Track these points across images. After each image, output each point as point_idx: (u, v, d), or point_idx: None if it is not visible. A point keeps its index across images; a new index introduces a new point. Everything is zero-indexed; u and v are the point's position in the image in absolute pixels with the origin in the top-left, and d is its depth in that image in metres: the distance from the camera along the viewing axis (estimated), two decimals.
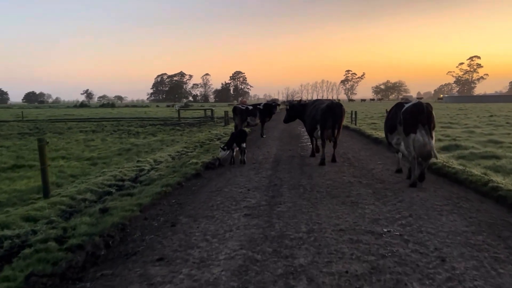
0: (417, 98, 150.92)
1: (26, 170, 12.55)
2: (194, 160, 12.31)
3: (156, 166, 12.17)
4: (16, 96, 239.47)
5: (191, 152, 15.37)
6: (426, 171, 8.65)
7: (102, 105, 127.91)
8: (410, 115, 8.28)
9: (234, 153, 11.92)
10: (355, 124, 26.15)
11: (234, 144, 11.88)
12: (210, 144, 17.53)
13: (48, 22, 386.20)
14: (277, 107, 20.84)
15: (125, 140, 21.01)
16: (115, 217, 6.52)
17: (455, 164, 10.31)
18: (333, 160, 11.68)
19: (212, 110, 39.19)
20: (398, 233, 5.42)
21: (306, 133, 18.97)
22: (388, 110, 10.15)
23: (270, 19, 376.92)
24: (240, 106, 20.38)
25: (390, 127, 9.50)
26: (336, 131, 11.50)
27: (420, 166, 8.32)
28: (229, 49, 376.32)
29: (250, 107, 20.01)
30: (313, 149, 13.09)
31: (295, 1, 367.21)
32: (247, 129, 21.98)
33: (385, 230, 5.56)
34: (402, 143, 8.84)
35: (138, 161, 13.21)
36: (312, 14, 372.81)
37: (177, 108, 45.76)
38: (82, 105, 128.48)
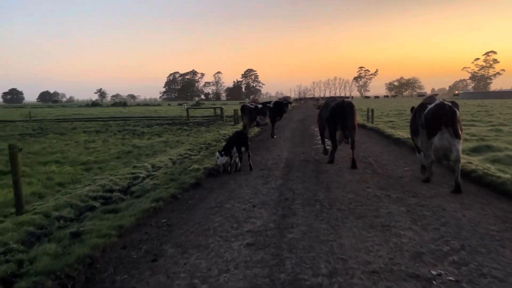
0: (433, 94, 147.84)
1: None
2: (196, 166, 10.99)
3: (153, 173, 10.87)
4: (31, 96, 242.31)
5: (195, 155, 14.06)
6: (461, 181, 7.52)
7: (114, 104, 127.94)
8: (432, 117, 7.77)
9: (233, 160, 10.53)
10: (372, 123, 24.58)
11: (234, 150, 10.43)
12: (216, 145, 16.18)
13: (62, 21, 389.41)
14: (289, 105, 19.35)
15: (127, 142, 19.84)
16: (85, 247, 5.19)
17: (494, 170, 8.82)
18: (353, 165, 10.29)
19: (222, 109, 37.85)
20: (453, 278, 3.98)
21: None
22: (413, 109, 9.13)
23: (282, 16, 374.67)
24: (248, 104, 18.94)
25: (415, 130, 8.75)
26: (347, 132, 10.52)
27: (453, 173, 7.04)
28: (241, 47, 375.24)
29: (260, 106, 18.58)
30: (332, 154, 11.78)
31: None
32: (254, 129, 20.69)
33: (434, 272, 4.12)
34: (424, 146, 8.32)
35: (134, 167, 11.93)
36: (325, 10, 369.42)
37: (185, 107, 44.49)
38: (94, 104, 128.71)
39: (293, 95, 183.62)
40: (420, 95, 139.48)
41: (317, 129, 14.62)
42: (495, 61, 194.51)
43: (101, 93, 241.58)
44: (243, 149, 10.40)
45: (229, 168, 10.51)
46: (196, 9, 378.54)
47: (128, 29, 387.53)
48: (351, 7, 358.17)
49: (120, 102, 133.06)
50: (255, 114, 18.16)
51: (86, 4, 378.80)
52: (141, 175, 10.69)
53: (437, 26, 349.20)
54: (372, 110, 26.95)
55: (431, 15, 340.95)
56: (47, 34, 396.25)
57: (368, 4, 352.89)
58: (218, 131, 23.66)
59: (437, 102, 7.98)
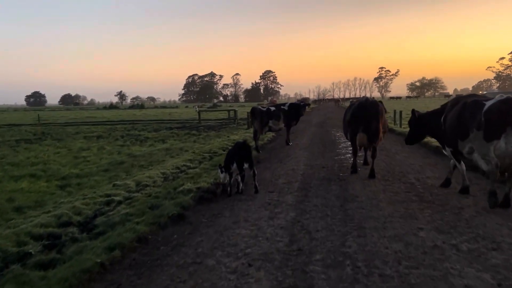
0: (456, 95, 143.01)
1: None
2: (189, 185, 8.72)
3: (134, 195, 8.63)
4: (53, 99, 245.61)
5: (194, 168, 11.81)
6: None
7: (132, 107, 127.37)
8: (496, 116, 6.15)
9: (233, 178, 8.31)
10: (400, 127, 21.91)
11: (234, 166, 8.10)
12: (222, 155, 13.88)
13: (82, 24, 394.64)
14: (306, 107, 16.88)
15: (125, 149, 17.74)
16: None
17: None
18: (371, 175, 8.93)
19: (235, 111, 35.58)
20: None
21: (343, 140, 15.08)
22: (450, 108, 7.44)
23: (300, 16, 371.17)
24: (259, 107, 16.46)
25: (462, 133, 6.80)
26: (371, 136, 9.04)
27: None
28: (259, 48, 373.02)
29: (273, 108, 16.10)
30: (354, 161, 9.55)
31: None
32: (268, 134, 18.25)
33: None
34: (476, 152, 6.59)
35: (114, 185, 9.73)
36: (344, 9, 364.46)
37: (196, 109, 42.34)
38: (111, 106, 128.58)
39: (312, 96, 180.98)
40: (446, 95, 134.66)
41: (339, 134, 12.01)
42: None
43: (121, 96, 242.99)
44: (245, 165, 8.04)
45: (229, 189, 8.22)
46: (215, 11, 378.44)
47: (149, 31, 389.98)
48: (371, 5, 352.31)
49: (137, 105, 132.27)
50: (267, 118, 15.70)
51: (105, 6, 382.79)
52: (118, 198, 8.47)
53: (459, 24, 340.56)
54: (400, 112, 24.28)
55: (453, 13, 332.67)
56: (71, 38, 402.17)
57: (389, 3, 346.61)
58: (228, 137, 21.41)
59: (500, 97, 6.35)
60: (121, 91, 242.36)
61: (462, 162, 7.49)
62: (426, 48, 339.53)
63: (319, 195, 7.43)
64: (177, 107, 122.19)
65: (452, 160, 7.66)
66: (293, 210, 6.52)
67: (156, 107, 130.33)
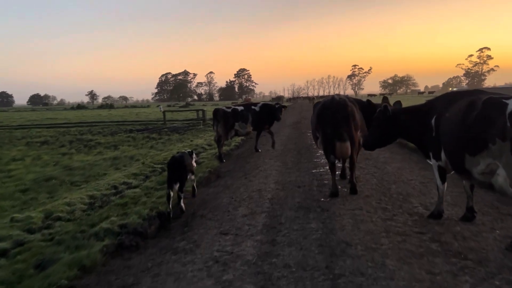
0: (428, 92, 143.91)
1: None
2: (114, 219, 6.29)
3: (29, 239, 6.04)
4: (21, 99, 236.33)
5: (135, 187, 9.30)
6: None
7: (100, 107, 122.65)
8: None
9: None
10: None
11: (176, 184, 6.69)
12: None
13: (52, 23, 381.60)
14: (283, 110, 14.32)
15: (66, 159, 15.00)
16: None
17: None
18: (352, 190, 7.28)
19: (204, 111, 32.96)
20: None
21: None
22: (445, 107, 5.31)
23: (273, 14, 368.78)
24: (224, 108, 13.97)
25: (473, 144, 4.61)
26: (341, 144, 6.94)
27: None
28: (233, 47, 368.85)
29: (240, 108, 13.65)
30: (333, 180, 7.36)
31: None
32: (235, 138, 15.70)
33: None
34: (502, 172, 4.34)
35: (12, 219, 7.09)
36: (316, 7, 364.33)
37: (161, 109, 39.38)
38: (79, 107, 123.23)
39: (286, 94, 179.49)
40: (419, 92, 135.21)
41: None
42: (489, 57, 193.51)
43: (92, 95, 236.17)
44: (176, 186, 6.65)
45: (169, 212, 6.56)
46: (187, 9, 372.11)
47: (119, 30, 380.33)
48: (344, 3, 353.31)
49: (106, 105, 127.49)
50: (233, 121, 13.25)
51: (79, 5, 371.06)
52: (2, 244, 5.86)
53: (430, 23, 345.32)
54: None
55: (424, 12, 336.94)
56: (39, 36, 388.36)
57: (362, 1, 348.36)
58: (191, 141, 18.92)
59: None
60: (92, 91, 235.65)
61: (445, 183, 5.55)
62: (398, 45, 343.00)
63: (293, 241, 5.03)
64: (148, 106, 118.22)
65: (464, 181, 5.47)
66: (252, 277, 4.10)
67: (126, 106, 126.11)
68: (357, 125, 7.24)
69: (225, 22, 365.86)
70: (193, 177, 7.67)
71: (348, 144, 6.95)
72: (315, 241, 4.97)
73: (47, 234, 6.19)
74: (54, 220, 6.94)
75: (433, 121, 5.37)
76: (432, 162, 5.59)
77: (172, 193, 6.64)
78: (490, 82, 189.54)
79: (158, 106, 54.39)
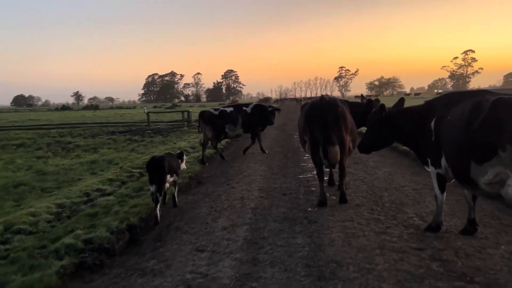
0: (414, 94, 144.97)
1: None
2: (79, 233, 5.66)
3: None
4: (5, 100, 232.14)
5: (109, 194, 8.65)
6: None
7: (86, 108, 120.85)
8: None
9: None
10: None
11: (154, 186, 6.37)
12: None
13: (38, 23, 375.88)
14: (276, 113, 13.56)
15: (40, 163, 14.25)
16: None
17: None
18: (342, 199, 6.71)
19: (189, 113, 32.26)
20: None
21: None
22: (446, 109, 4.76)
23: (261, 16, 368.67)
24: (211, 110, 13.39)
25: (479, 151, 4.04)
26: (330, 149, 6.36)
27: None
28: (221, 48, 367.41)
29: (229, 110, 13.05)
30: (321, 188, 6.76)
31: None
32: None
33: None
34: None
35: None
36: (304, 9, 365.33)
37: (144, 110, 38.56)
38: (64, 108, 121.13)
39: (274, 96, 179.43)
40: (406, 94, 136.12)
41: None
42: (473, 59, 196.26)
43: (77, 96, 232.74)
44: (152, 188, 6.36)
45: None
46: (175, 9, 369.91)
47: (108, 31, 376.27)
48: (330, 5, 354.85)
49: (92, 105, 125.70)
50: (223, 123, 12.67)
51: (65, 5, 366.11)
52: None
53: (416, 25, 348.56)
54: None
55: (410, 15, 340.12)
56: (23, 36, 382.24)
57: (348, 3, 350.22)
58: (174, 143, 18.22)
59: None
60: (77, 92, 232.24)
61: (444, 192, 5.05)
62: (384, 47, 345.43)
63: (277, 260, 4.46)
64: (134, 107, 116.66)
65: (466, 191, 4.97)
66: None
67: (111, 108, 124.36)
68: (348, 127, 6.72)
69: (213, 23, 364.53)
70: (176, 178, 7.16)
71: (337, 148, 6.43)
72: (302, 260, 4.41)
73: (2, 250, 5.54)
74: (14, 233, 6.28)
75: (432, 124, 4.86)
76: (431, 169, 5.08)
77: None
78: (474, 84, 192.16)
79: (142, 107, 53.24)
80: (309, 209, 6.41)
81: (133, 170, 11.21)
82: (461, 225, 5.31)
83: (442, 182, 4.99)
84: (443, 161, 4.73)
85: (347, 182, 7.53)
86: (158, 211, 6.31)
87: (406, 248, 4.62)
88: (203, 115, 13.00)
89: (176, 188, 7.34)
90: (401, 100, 5.96)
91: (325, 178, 7.57)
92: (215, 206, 6.84)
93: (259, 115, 12.95)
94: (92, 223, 6.30)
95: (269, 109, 13.28)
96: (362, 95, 8.21)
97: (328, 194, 7.07)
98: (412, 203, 6.52)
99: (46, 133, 27.26)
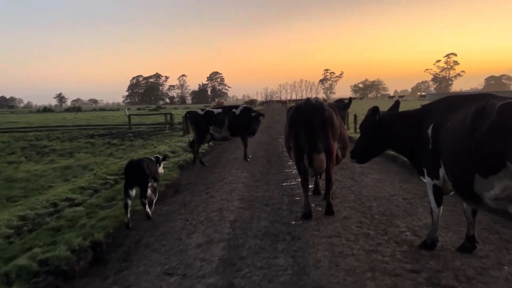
0: (398, 97, 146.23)
1: None
2: (35, 253, 5.07)
3: None
4: None
5: (79, 204, 8.02)
6: None
7: (68, 110, 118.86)
8: None
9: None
10: (355, 132, 19.10)
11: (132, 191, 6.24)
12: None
13: (20, 23, 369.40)
14: (260, 119, 12.61)
15: (11, 168, 13.50)
16: None
17: None
18: (328, 211, 6.17)
19: (171, 115, 31.55)
20: None
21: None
22: (445, 113, 4.31)
23: (246, 19, 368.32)
24: (198, 111, 12.92)
25: (485, 162, 3.57)
26: (315, 156, 5.83)
27: None
28: (206, 49, 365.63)
29: (217, 111, 12.48)
30: (306, 199, 6.25)
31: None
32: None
33: None
34: None
35: None
36: (289, 12, 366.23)
37: (126, 113, 37.72)
38: (45, 110, 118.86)
39: (260, 98, 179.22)
40: (389, 97, 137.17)
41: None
42: (456, 62, 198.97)
43: (60, 98, 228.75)
44: (131, 191, 6.19)
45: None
46: (159, 10, 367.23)
47: (92, 31, 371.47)
48: (315, 8, 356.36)
49: (74, 108, 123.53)
50: (207, 124, 12.13)
51: (48, 5, 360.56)
52: None
53: (400, 28, 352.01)
54: (355, 116, 21.55)
55: (393, 18, 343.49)
56: (3, 37, 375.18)
57: (333, 6, 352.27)
58: (155, 147, 17.57)
59: None
60: (60, 93, 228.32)
61: (441, 206, 4.59)
62: (368, 50, 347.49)
63: (255, 286, 3.93)
64: (118, 109, 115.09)
65: (465, 205, 4.52)
66: None
67: (94, 110, 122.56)
68: (336, 133, 6.24)
69: (198, 25, 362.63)
70: (155, 184, 6.86)
71: (323, 156, 5.94)
72: (283, 285, 3.89)
73: None
74: None
75: (429, 130, 4.40)
76: (427, 180, 4.60)
77: (130, 201, 6.16)
78: (456, 87, 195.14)
79: (123, 110, 52.25)
80: (293, 222, 5.89)
81: (108, 177, 10.57)
82: (457, 240, 4.87)
83: (439, 194, 4.53)
84: (442, 172, 4.27)
85: (333, 191, 7.06)
86: (148, 209, 6.44)
87: (400, 270, 4.13)
88: (188, 115, 12.58)
89: (156, 196, 7.00)
90: (397, 103, 5.44)
91: (310, 186, 7.10)
92: (191, 219, 6.29)
93: (248, 118, 12.35)
94: (54, 239, 5.69)
95: (253, 114, 12.50)
96: (340, 99, 7.77)
97: (313, 205, 6.59)
98: (403, 215, 6.06)
99: (23, 136, 26.26)
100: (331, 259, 4.46)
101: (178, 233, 5.66)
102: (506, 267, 4.13)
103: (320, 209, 6.51)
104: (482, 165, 3.57)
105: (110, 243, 5.57)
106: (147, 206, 6.43)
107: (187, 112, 12.89)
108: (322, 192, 7.33)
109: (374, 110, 5.07)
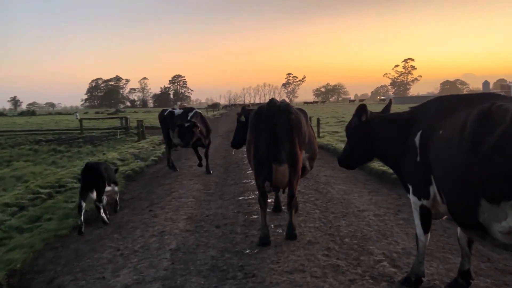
0: (359, 100, 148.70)
1: None
2: None
3: None
4: None
5: None
6: None
7: (21, 114, 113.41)
8: None
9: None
10: (319, 136, 18.40)
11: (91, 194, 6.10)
12: (72, 189, 8.92)
13: None
14: (195, 130, 10.09)
15: None
16: None
17: None
18: (290, 235, 5.23)
19: (127, 119, 29.88)
20: None
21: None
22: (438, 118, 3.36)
23: (209, 21, 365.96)
24: (170, 109, 12.01)
25: (496, 184, 2.57)
26: (276, 168, 4.99)
27: None
28: (168, 52, 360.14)
29: (177, 112, 11.15)
30: (263, 220, 5.21)
31: (234, 2, 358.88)
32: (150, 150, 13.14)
33: None
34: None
35: None
36: (253, 16, 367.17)
37: (77, 117, 35.74)
38: None
39: (223, 101, 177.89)
40: (350, 100, 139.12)
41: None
42: (413, 67, 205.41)
43: (15, 102, 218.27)
44: (92, 194, 6.10)
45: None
46: (119, 11, 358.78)
47: (49, 31, 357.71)
48: (279, 15, 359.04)
49: (28, 112, 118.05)
50: (167, 127, 11.17)
51: (4, 4, 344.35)
52: None
53: (360, 33, 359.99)
54: (318, 120, 20.88)
55: (354, 22, 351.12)
56: None
57: (294, 12, 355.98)
58: (104, 153, 16.14)
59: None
60: (15, 96, 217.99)
61: (429, 233, 3.67)
62: (330, 55, 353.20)
63: None
64: (75, 113, 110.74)
65: (460, 232, 3.65)
66: None
67: (50, 113, 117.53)
68: (303, 141, 5.26)
69: (159, 28, 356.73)
70: (116, 188, 6.94)
71: (285, 167, 4.96)
72: None
73: None
74: None
75: (416, 139, 3.49)
76: (412, 199, 3.68)
77: (84, 204, 6.05)
78: (414, 91, 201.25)
79: (74, 114, 49.86)
80: (248, 251, 4.85)
81: (41, 190, 9.21)
82: (445, 272, 4.00)
83: (427, 218, 3.62)
84: (432, 190, 3.36)
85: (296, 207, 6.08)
86: (103, 214, 6.30)
87: None
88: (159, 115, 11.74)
89: (117, 202, 7.10)
90: (389, 103, 4.48)
91: (270, 200, 6.12)
92: (123, 248, 5.13)
93: (202, 123, 10.71)
94: None
95: (186, 124, 10.04)
96: (243, 107, 6.76)
97: (272, 226, 5.60)
98: (377, 237, 5.15)
99: None
100: None
101: (103, 269, 4.50)
102: None
103: (280, 231, 5.52)
104: (490, 187, 2.67)
105: (14, 284, 4.35)
106: (102, 210, 6.31)
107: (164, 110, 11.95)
108: (284, 208, 6.36)
109: (360, 109, 4.10)
